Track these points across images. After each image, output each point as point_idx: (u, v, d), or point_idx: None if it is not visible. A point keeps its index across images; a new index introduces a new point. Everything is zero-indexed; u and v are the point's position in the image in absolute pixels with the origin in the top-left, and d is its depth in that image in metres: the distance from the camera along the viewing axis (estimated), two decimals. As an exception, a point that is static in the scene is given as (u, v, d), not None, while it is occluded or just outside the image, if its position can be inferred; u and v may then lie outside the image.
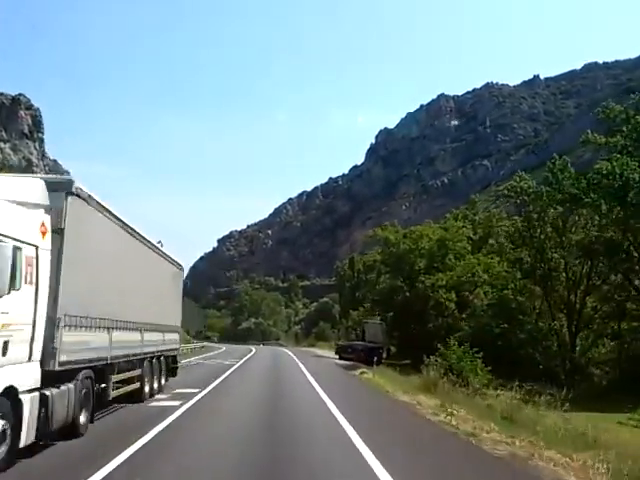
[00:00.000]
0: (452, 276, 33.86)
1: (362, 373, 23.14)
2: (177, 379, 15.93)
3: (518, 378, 24.02)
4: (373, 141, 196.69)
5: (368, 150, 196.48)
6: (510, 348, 28.97)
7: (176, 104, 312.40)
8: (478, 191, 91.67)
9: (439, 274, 33.99)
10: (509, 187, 32.04)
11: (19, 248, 6.11)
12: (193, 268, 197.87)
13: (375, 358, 28.29)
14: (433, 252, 36.02)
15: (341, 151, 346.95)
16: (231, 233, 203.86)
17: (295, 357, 34.28)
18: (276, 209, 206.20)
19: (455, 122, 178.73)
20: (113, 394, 9.10)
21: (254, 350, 47.08)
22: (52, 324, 6.71)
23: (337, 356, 34.49)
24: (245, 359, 30.59)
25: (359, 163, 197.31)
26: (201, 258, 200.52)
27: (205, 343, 61.22)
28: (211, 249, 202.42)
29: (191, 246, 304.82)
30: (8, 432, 5.87)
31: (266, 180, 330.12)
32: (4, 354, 5.81)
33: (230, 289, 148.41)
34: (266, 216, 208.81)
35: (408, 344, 34.90)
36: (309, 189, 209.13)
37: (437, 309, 34.93)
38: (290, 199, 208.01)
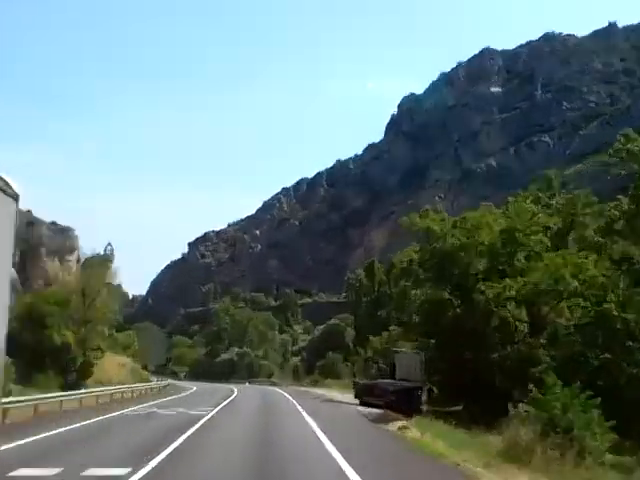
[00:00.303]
0: (526, 283, 30.56)
1: (402, 429, 20.16)
2: (105, 448, 12.32)
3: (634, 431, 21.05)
4: (395, 112, 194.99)
5: (388, 124, 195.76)
6: (616, 388, 25.85)
7: (129, 70, 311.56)
8: (536, 176, 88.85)
9: (506, 280, 30.73)
10: (612, 151, 28.94)
11: None
12: (156, 282, 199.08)
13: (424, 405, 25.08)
14: (496, 249, 32.98)
15: (351, 126, 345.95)
16: (206, 235, 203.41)
17: (296, 403, 31.64)
18: (266, 203, 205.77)
19: (504, 86, 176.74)
20: None
21: (236, 392, 44.84)
22: None
23: (357, 400, 32.59)
24: (221, 407, 27.43)
25: (376, 141, 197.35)
26: (167, 267, 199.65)
27: (170, 381, 60.70)
28: (180, 256, 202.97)
29: (153, 252, 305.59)
30: None
31: (253, 166, 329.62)
32: None
33: (205, 309, 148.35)
34: (253, 212, 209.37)
35: (458, 383, 32.49)
36: (310, 176, 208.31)
37: (503, 331, 32.07)
38: (285, 189, 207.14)
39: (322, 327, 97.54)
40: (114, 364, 44.38)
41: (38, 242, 58.34)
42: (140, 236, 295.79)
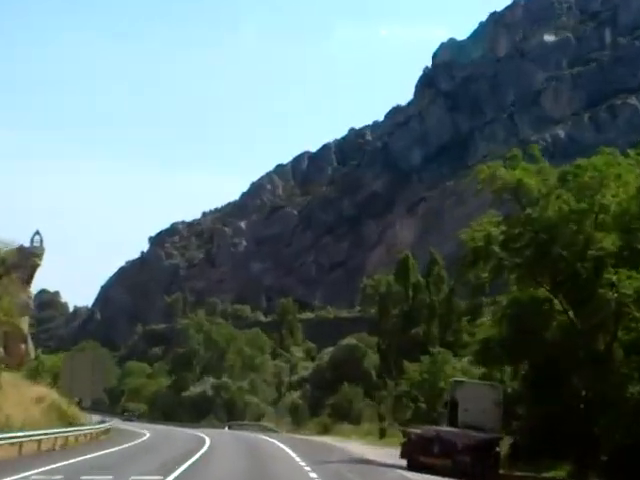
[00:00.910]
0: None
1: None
2: None
3: None
4: (429, 64, 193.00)
5: (419, 81, 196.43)
6: None
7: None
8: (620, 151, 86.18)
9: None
10: None
11: None
12: (106, 290, 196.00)
13: None
14: (630, 217, 28.38)
15: (369, 85, 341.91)
16: (174, 227, 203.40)
17: (305, 464, 26.62)
18: (254, 185, 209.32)
19: (576, 30, 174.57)
20: None
21: (207, 443, 40.63)
22: None
23: (399, 459, 28.79)
24: (177, 475, 21.45)
25: (403, 104, 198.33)
26: (121, 270, 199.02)
27: (113, 422, 58.48)
28: (138, 255, 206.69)
29: (103, 251, 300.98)
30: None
31: (237, 135, 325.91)
32: None
33: (170, 326, 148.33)
34: (237, 197, 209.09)
35: (562, 432, 29.14)
36: (314, 149, 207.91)
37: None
38: (280, 167, 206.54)
39: (332, 350, 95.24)
40: (24, 397, 38.92)
41: None
42: (85, 230, 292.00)
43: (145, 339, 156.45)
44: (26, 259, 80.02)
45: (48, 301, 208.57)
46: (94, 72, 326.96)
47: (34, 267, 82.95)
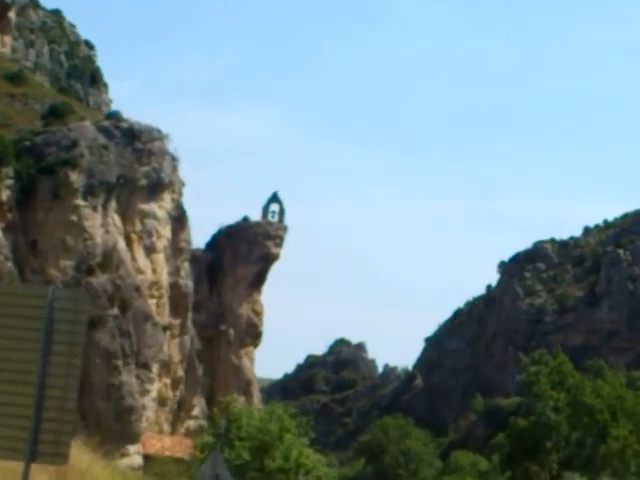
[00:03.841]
0: None
1: None
2: None
3: None
4: None
5: None
6: None
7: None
8: None
9: None
10: None
11: None
12: (432, 343, 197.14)
13: None
14: None
15: None
16: (539, 248, 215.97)
17: None
18: None
19: None
20: None
21: None
22: None
23: None
24: None
25: None
26: (456, 314, 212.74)
27: None
28: (483, 292, 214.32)
29: (429, 284, 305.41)
30: None
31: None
32: None
33: (526, 400, 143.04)
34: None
35: None
36: None
37: None
38: None
39: None
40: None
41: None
42: (404, 256, 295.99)
43: (486, 419, 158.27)
44: (252, 240, 72.15)
45: (349, 357, 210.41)
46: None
47: (269, 258, 74.02)
